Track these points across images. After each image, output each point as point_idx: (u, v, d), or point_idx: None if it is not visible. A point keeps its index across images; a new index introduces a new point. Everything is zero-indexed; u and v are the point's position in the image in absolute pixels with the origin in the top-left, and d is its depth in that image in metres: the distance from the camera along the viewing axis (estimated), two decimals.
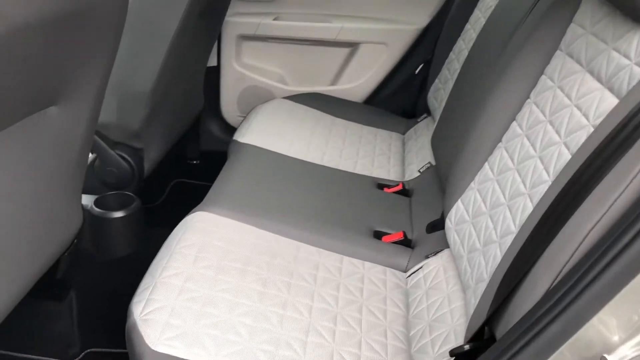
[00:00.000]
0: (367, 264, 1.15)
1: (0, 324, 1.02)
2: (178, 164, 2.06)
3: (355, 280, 1.09)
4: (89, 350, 1.37)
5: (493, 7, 1.44)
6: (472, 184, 1.05)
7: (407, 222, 1.31)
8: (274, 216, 1.20)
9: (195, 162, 2.08)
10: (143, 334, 0.86)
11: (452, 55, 1.64)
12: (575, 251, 0.65)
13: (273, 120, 1.67)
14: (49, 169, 1.06)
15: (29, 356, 1.32)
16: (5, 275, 1.00)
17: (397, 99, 1.96)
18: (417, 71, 1.91)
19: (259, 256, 1.07)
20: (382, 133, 1.77)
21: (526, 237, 0.75)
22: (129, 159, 1.46)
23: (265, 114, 1.71)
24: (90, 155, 1.49)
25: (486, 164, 1.03)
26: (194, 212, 1.17)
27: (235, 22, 1.90)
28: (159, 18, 1.32)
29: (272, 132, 1.60)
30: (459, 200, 1.07)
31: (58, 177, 1.10)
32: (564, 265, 0.66)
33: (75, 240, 1.27)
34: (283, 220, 1.20)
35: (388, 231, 1.26)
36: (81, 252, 1.39)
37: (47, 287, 1.34)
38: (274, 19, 1.91)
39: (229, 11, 1.88)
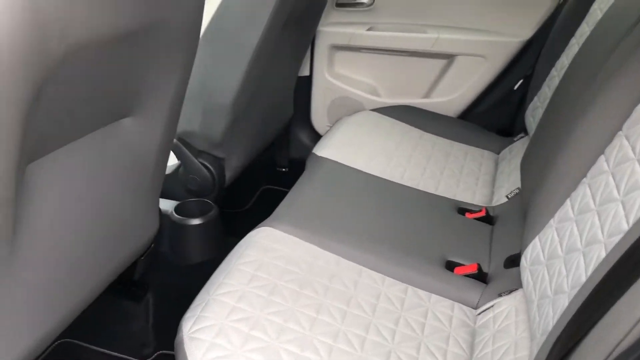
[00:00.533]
0: (434, 296, 1.08)
1: (81, 318, 1.08)
2: (267, 170, 2.08)
3: (418, 314, 1.02)
4: (161, 351, 1.41)
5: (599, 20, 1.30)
6: (551, 221, 0.95)
7: (484, 253, 1.21)
8: (339, 236, 1.17)
9: (284, 169, 2.10)
10: (187, 352, 0.87)
11: (553, 71, 1.51)
12: (628, 333, 0.55)
13: (356, 134, 1.64)
14: (125, 176, 1.10)
15: (105, 351, 1.39)
16: (83, 271, 1.05)
17: (494, 116, 1.84)
18: (516, 87, 1.78)
19: (317, 278, 1.04)
20: (474, 151, 1.66)
21: (585, 298, 0.66)
22: (210, 167, 1.49)
23: (349, 126, 1.67)
24: (176, 161, 1.54)
25: (568, 200, 0.93)
26: (259, 227, 1.17)
27: (328, 32, 1.89)
28: (240, 32, 1.33)
29: (353, 146, 1.56)
30: (537, 238, 0.97)
31: (134, 184, 1.14)
32: (615, 347, 0.56)
33: (153, 245, 1.32)
34: (348, 241, 1.16)
35: (462, 262, 1.17)
36: (160, 256, 1.44)
37: (126, 287, 1.41)
38: (368, 29, 1.87)
39: (322, 21, 1.87)
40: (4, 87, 0.70)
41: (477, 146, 1.69)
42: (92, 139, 0.98)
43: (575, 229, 0.85)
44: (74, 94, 0.83)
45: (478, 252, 1.21)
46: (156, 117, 1.08)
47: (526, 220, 1.07)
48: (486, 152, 1.67)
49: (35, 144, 0.82)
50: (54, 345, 1.40)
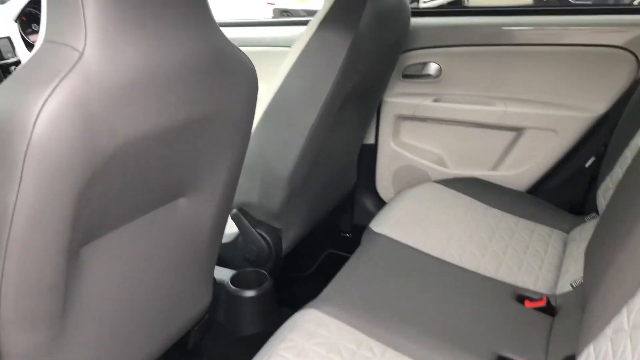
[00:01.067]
0: None
1: None
2: (331, 235, 2.09)
3: None
4: None
5: None
6: (607, 329, 0.88)
7: (541, 350, 1.14)
8: (387, 324, 1.14)
9: (348, 234, 2.10)
10: None
11: (627, 152, 1.43)
12: None
13: (417, 208, 1.61)
14: (179, 252, 1.14)
15: None
16: (135, 345, 1.09)
17: (565, 192, 1.76)
18: (587, 164, 1.69)
19: None
20: (541, 229, 1.59)
21: None
22: (267, 238, 1.52)
23: (410, 199, 1.66)
24: (236, 230, 1.59)
25: (625, 307, 0.86)
26: (304, 308, 1.17)
27: (394, 102, 1.90)
28: (298, 112, 1.37)
29: (411, 222, 1.54)
30: (592, 346, 0.91)
31: (188, 259, 1.17)
32: None
33: (207, 316, 1.35)
34: (396, 330, 1.13)
35: (515, 358, 1.11)
36: (216, 325, 1.47)
37: (180, 357, 1.44)
38: (434, 100, 1.86)
39: (388, 91, 1.89)
40: (54, 180, 0.75)
41: (545, 224, 1.61)
42: (146, 220, 1.02)
43: (628, 343, 0.79)
44: (125, 184, 0.88)
45: (534, 348, 1.14)
46: (211, 196, 1.12)
47: (584, 319, 1.00)
48: (555, 232, 1.59)
49: (87, 230, 0.88)
50: None
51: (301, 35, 1.38)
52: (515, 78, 1.77)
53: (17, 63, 1.74)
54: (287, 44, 2.03)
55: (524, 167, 1.80)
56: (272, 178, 1.44)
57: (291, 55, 1.38)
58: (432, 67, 1.86)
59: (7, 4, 1.90)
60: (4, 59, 1.71)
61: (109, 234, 0.95)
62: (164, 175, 0.97)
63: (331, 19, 1.35)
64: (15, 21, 1.83)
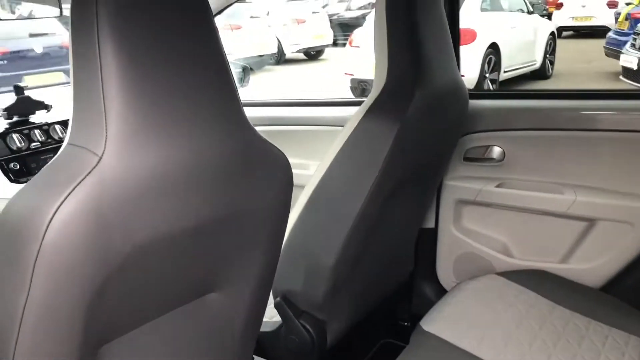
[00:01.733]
0: None
1: None
2: (387, 322, 1.99)
3: None
4: None
5: None
6: None
7: None
8: None
9: (405, 323, 1.98)
10: None
11: None
12: None
13: (474, 304, 1.49)
14: (210, 347, 1.10)
15: None
16: None
17: None
18: None
19: None
20: (616, 335, 1.42)
21: None
22: (310, 330, 1.45)
23: (467, 294, 1.54)
24: (279, 319, 1.53)
25: None
26: None
27: (455, 185, 1.82)
28: (342, 201, 1.33)
29: (466, 320, 1.42)
30: None
31: (219, 352, 1.13)
32: None
33: None
34: None
35: None
36: None
37: None
38: (497, 185, 1.76)
39: (449, 174, 1.81)
40: (64, 285, 0.74)
41: (621, 329, 1.44)
42: (172, 317, 0.99)
43: None
44: (143, 285, 0.86)
45: None
46: (244, 289, 1.08)
47: None
48: (632, 338, 1.41)
49: (103, 331, 0.85)
50: None
51: (347, 123, 1.35)
52: (587, 165, 1.64)
53: None
54: (340, 123, 2.03)
55: (596, 262, 1.64)
56: (316, 267, 1.39)
57: (337, 143, 1.35)
58: (496, 151, 1.77)
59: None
60: (61, 141, 1.80)
61: (130, 333, 0.92)
62: (188, 272, 0.95)
63: (377, 108, 1.32)
64: None
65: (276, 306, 1.49)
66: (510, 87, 7.68)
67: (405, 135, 1.31)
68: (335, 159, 1.34)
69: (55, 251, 0.72)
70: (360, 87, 7.80)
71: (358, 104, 2.15)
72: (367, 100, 1.36)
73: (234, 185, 0.91)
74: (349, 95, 8.11)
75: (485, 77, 6.97)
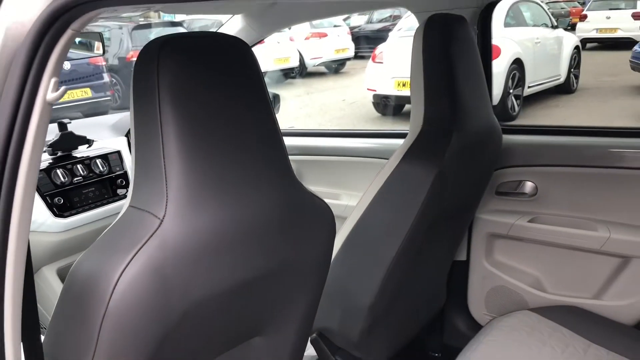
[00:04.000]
0: None
1: None
2: (418, 354, 2.00)
3: None
4: None
5: None
6: None
7: None
8: None
9: (436, 354, 1.99)
10: None
11: None
12: None
13: (508, 342, 1.50)
14: None
15: None
16: None
17: None
18: None
19: None
20: None
21: None
22: None
23: (500, 332, 1.55)
24: (315, 354, 1.56)
25: None
26: None
27: (487, 219, 1.83)
28: (380, 242, 1.36)
29: (502, 359, 1.43)
30: None
31: None
32: None
33: None
34: None
35: None
36: None
37: None
38: (530, 220, 1.77)
39: (481, 208, 1.82)
40: (128, 342, 0.78)
41: None
42: (224, 358, 1.03)
43: None
44: (198, 336, 0.90)
45: None
46: (287, 333, 1.11)
47: None
48: None
49: None
50: None
51: (385, 166, 1.38)
52: (621, 202, 1.65)
53: (124, 175, 1.88)
54: (372, 155, 2.05)
55: (632, 299, 1.64)
56: (353, 307, 1.42)
57: (374, 186, 1.38)
58: (528, 186, 1.78)
59: (117, 120, 2.08)
60: (112, 172, 1.86)
61: None
62: (239, 321, 0.98)
63: (415, 151, 1.35)
64: (125, 136, 2.00)
65: (312, 342, 1.51)
66: (534, 102, 7.64)
67: (443, 179, 1.33)
68: (373, 202, 1.37)
69: (120, 313, 0.75)
70: (382, 102, 7.82)
71: (389, 135, 2.18)
72: (405, 143, 1.39)
73: (285, 237, 0.94)
74: (371, 110, 8.15)
75: (509, 94, 6.94)
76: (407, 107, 8.15)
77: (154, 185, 0.81)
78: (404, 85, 7.19)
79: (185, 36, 0.82)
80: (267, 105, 0.91)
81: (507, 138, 1.78)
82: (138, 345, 0.79)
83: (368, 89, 7.82)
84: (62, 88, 0.66)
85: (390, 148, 1.95)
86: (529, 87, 7.38)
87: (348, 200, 2.10)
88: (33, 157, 0.68)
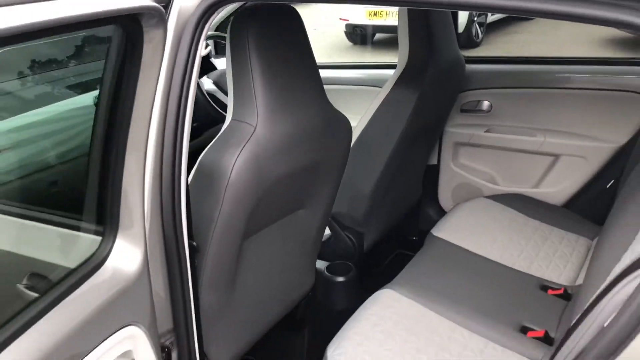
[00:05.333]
0: (508, 351, 1.48)
1: (259, 342, 1.64)
2: (401, 238, 2.57)
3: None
4: None
5: None
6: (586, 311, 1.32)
7: (554, 322, 1.58)
8: (442, 301, 1.61)
9: (414, 238, 2.57)
10: None
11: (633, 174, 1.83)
12: None
13: (469, 218, 2.07)
14: (297, 247, 1.66)
15: None
16: (268, 306, 1.61)
17: (591, 207, 2.16)
18: (608, 185, 2.09)
19: (420, 329, 1.50)
20: (570, 237, 2.01)
21: None
22: (353, 239, 2.02)
23: (464, 212, 2.11)
24: (329, 233, 2.10)
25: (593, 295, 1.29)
26: (383, 289, 1.66)
27: (453, 132, 2.36)
28: (378, 146, 1.88)
29: (464, 229, 2.00)
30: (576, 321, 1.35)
31: (301, 251, 1.69)
32: None
33: (311, 293, 1.86)
34: (448, 305, 1.60)
35: (534, 328, 1.56)
36: (315, 301, 1.99)
37: (291, 323, 1.96)
38: (486, 131, 2.31)
39: (449, 123, 2.35)
40: (240, 201, 1.29)
41: (574, 232, 2.03)
42: (279, 225, 1.55)
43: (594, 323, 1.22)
44: (275, 201, 1.41)
45: (550, 321, 1.58)
46: (319, 208, 1.63)
47: (574, 302, 1.44)
48: (581, 239, 2.00)
49: (250, 228, 1.41)
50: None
51: (380, 91, 1.88)
52: (553, 114, 2.19)
53: None
54: (373, 84, 2.54)
55: (559, 186, 2.22)
56: (358, 194, 1.95)
57: (373, 105, 1.89)
58: (485, 104, 2.30)
59: None
60: None
61: (257, 234, 1.47)
62: (295, 195, 1.50)
63: (402, 79, 1.85)
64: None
65: (328, 224, 2.05)
66: (496, 29, 8.10)
67: (422, 100, 1.84)
68: (373, 117, 1.88)
69: (236, 183, 1.25)
70: (355, 32, 8.17)
71: (380, 67, 2.66)
72: (395, 74, 1.88)
73: (323, 140, 1.44)
74: (344, 39, 8.49)
75: (473, 21, 7.37)
76: (377, 36, 8.53)
77: (248, 106, 1.29)
78: (375, 14, 7.54)
79: (263, 6, 1.28)
80: (310, 53, 1.38)
81: (470, 67, 2.28)
82: (245, 203, 1.29)
83: (341, 19, 8.13)
84: (208, 48, 1.12)
85: (380, 78, 2.44)
86: (491, 14, 7.81)
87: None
88: (193, 83, 1.15)
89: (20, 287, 1.02)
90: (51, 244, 1.22)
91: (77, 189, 1.17)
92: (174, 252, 1.22)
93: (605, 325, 0.89)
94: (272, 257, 1.56)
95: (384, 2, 0.87)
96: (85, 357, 0.96)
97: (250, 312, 1.54)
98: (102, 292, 1.01)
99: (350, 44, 8.52)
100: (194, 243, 1.28)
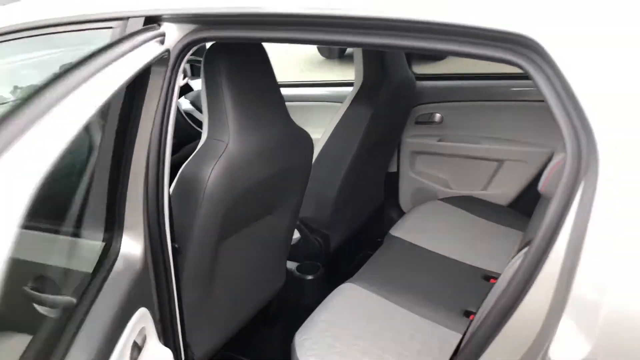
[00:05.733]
0: (453, 332, 1.71)
1: (235, 337, 1.84)
2: (366, 240, 2.80)
3: (436, 340, 1.67)
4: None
5: None
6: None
7: None
8: (397, 291, 1.84)
9: (379, 239, 2.79)
10: (297, 351, 1.59)
11: None
12: None
13: (423, 219, 2.31)
14: (268, 248, 1.87)
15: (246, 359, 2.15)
16: (243, 303, 1.82)
17: (534, 206, 2.40)
18: None
19: (378, 316, 1.72)
20: (513, 233, 2.25)
21: None
22: (320, 241, 2.24)
23: (419, 213, 2.35)
24: (299, 236, 2.31)
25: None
26: (345, 283, 1.88)
27: (410, 141, 2.60)
28: (338, 158, 2.11)
29: (419, 229, 2.23)
30: None
31: (272, 252, 1.90)
32: None
33: (282, 291, 2.07)
34: (402, 294, 1.83)
35: (476, 311, 1.79)
36: (287, 298, 2.20)
37: (265, 317, 2.17)
38: (438, 140, 2.55)
39: (405, 133, 2.59)
40: (215, 208, 1.49)
41: (517, 229, 2.27)
42: (250, 229, 1.76)
43: None
44: (245, 207, 1.62)
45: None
46: (286, 213, 1.85)
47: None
48: (520, 233, 2.24)
49: (225, 230, 1.61)
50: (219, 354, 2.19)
51: (339, 108, 2.11)
52: (496, 124, 2.44)
53: None
54: (334, 100, 2.77)
55: (505, 188, 2.47)
56: (323, 200, 2.17)
57: (333, 122, 2.12)
58: (437, 116, 2.55)
59: None
60: None
61: (232, 237, 1.68)
62: (264, 202, 1.71)
63: (358, 97, 2.09)
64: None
65: (297, 227, 2.27)
66: None
67: (377, 115, 2.08)
68: (334, 130, 2.11)
69: (211, 192, 1.46)
70: (326, 47, 8.40)
71: (339, 85, 2.90)
72: (351, 92, 2.12)
73: (287, 152, 1.66)
74: (316, 54, 8.75)
75: None
76: (349, 50, 8.80)
77: (221, 125, 1.50)
78: None
79: (233, 43, 1.50)
80: (273, 79, 1.60)
81: (421, 83, 2.53)
82: (220, 208, 1.50)
83: None
84: (186, 79, 1.34)
85: (341, 94, 2.68)
86: None
87: (313, 134, 2.84)
88: (173, 107, 1.36)
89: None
90: (72, 244, 1.42)
91: (91, 198, 1.37)
92: (159, 253, 1.42)
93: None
94: (246, 258, 1.76)
95: (334, 42, 1.09)
96: (122, 334, 1.16)
97: (228, 307, 1.75)
98: (123, 278, 1.22)
99: (323, 58, 8.79)
100: (177, 245, 1.48)
